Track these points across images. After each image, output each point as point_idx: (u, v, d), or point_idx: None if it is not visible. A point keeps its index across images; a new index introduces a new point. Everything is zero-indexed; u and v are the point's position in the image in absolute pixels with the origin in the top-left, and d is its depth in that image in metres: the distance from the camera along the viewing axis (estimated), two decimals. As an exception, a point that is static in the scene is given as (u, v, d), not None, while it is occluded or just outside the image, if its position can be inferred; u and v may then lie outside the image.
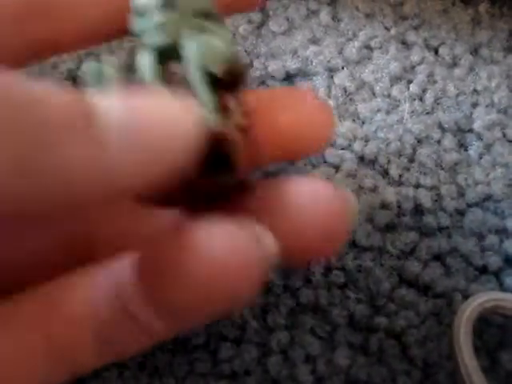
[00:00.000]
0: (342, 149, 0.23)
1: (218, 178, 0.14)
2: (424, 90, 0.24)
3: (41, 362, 0.14)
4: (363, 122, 0.23)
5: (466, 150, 0.23)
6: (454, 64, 0.25)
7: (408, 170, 0.22)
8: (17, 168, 0.11)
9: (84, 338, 0.14)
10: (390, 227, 0.22)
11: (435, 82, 0.24)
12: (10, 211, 0.11)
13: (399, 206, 0.22)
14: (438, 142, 0.23)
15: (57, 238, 0.16)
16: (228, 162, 0.14)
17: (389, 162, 0.22)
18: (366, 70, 0.24)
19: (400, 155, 0.23)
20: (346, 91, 0.24)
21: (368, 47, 0.25)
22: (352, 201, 0.15)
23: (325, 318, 0.21)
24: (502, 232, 0.22)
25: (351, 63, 0.24)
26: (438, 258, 0.21)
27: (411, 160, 0.23)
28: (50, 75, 0.24)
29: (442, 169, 0.22)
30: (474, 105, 0.24)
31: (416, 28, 0.25)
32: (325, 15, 0.25)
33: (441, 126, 0.23)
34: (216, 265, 0.13)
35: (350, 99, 0.24)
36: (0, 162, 0.10)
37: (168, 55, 0.15)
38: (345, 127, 0.23)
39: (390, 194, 0.22)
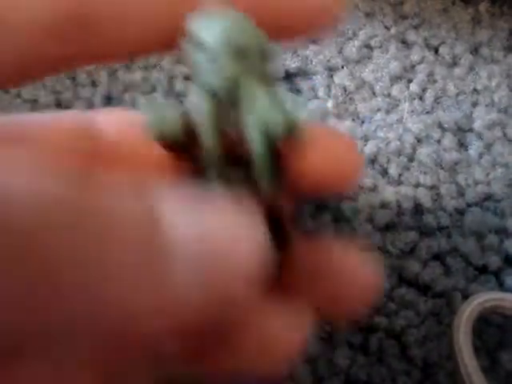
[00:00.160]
0: (342, 148, 0.23)
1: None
2: (424, 90, 0.24)
3: None
4: (363, 122, 0.23)
5: (466, 149, 0.23)
6: (454, 63, 0.25)
7: (408, 169, 0.22)
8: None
9: None
10: (389, 227, 0.22)
11: (435, 81, 0.24)
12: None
13: (399, 206, 0.22)
14: (438, 141, 0.23)
15: None
16: (280, 230, 0.14)
17: (388, 161, 0.22)
18: (366, 70, 0.24)
19: (400, 154, 0.23)
20: (345, 90, 0.24)
21: (368, 46, 0.25)
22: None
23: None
24: (501, 232, 0.22)
25: (351, 62, 0.24)
26: (437, 257, 0.21)
27: (411, 159, 0.23)
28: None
29: (442, 168, 0.22)
30: (474, 104, 0.24)
31: (416, 27, 0.25)
32: (325, 14, 0.25)
33: (441, 126, 0.23)
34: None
35: (350, 98, 0.24)
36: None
37: (223, 99, 0.14)
38: (344, 126, 0.23)
39: (389, 193, 0.22)
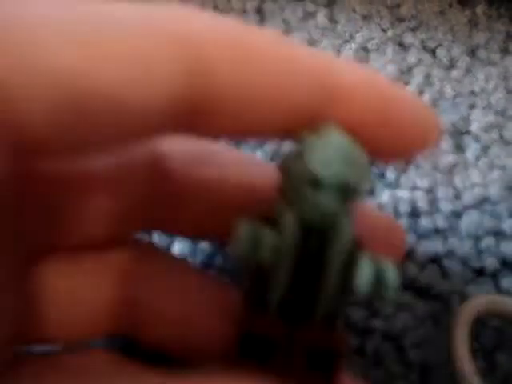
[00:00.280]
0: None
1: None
2: (421, 92, 0.24)
3: None
4: (360, 124, 0.23)
5: (462, 152, 0.23)
6: (451, 66, 0.25)
7: (404, 172, 0.22)
8: None
9: None
10: (386, 229, 0.22)
11: (432, 83, 0.24)
12: None
13: (395, 209, 0.22)
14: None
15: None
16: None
17: (385, 164, 0.22)
18: (363, 72, 0.24)
19: (397, 157, 0.23)
20: (342, 93, 0.24)
21: (365, 49, 0.25)
22: None
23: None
24: (498, 234, 0.22)
25: (348, 65, 0.24)
26: (434, 260, 0.21)
27: (407, 162, 0.23)
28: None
29: (439, 171, 0.22)
30: (471, 106, 0.24)
31: (413, 30, 0.25)
32: (322, 17, 0.25)
33: (438, 128, 0.23)
34: None
35: (347, 101, 0.24)
36: None
37: (314, 230, 0.14)
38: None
39: (386, 196, 0.22)
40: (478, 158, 0.23)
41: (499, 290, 0.21)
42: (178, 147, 0.16)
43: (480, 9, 0.26)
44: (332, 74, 0.14)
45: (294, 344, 0.15)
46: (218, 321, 0.16)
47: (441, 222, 0.22)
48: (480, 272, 0.21)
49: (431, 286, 0.21)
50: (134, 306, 0.16)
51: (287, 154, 0.15)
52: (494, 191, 0.22)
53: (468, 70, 0.24)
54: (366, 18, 0.25)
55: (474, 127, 0.23)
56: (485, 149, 0.23)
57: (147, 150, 0.16)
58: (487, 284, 0.21)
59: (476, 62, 0.25)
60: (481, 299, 0.20)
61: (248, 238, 0.14)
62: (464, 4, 0.26)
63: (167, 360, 0.17)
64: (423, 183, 0.22)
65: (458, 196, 0.22)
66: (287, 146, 0.19)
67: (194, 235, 0.18)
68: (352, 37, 0.25)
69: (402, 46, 0.25)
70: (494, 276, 0.21)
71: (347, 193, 0.14)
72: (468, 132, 0.23)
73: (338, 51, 0.25)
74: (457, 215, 0.22)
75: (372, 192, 0.22)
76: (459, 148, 0.23)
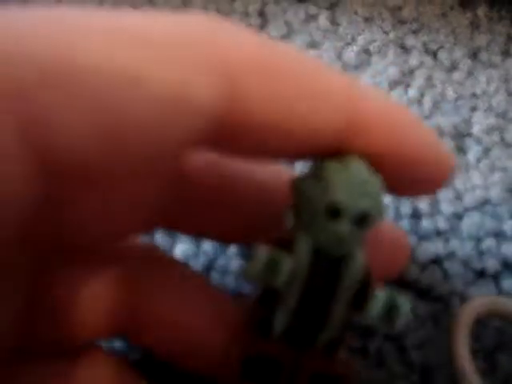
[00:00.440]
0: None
1: None
2: (423, 94, 0.24)
3: None
4: (362, 126, 0.23)
5: (464, 154, 0.23)
6: (453, 68, 0.25)
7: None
8: None
9: None
10: (388, 231, 0.22)
11: (434, 86, 0.24)
12: None
13: (397, 210, 0.22)
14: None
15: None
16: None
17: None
18: (365, 75, 0.24)
19: (398, 159, 0.23)
20: (344, 95, 0.24)
21: (367, 51, 0.25)
22: None
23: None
24: (499, 236, 0.22)
25: (350, 67, 0.24)
26: (435, 261, 0.21)
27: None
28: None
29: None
30: (473, 109, 0.24)
31: (415, 32, 0.25)
32: (324, 19, 0.25)
33: (439, 130, 0.23)
34: None
35: (349, 103, 0.24)
36: None
37: (326, 255, 0.14)
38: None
39: (387, 198, 0.22)
40: (479, 160, 0.23)
41: (500, 291, 0.21)
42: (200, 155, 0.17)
43: (481, 11, 0.26)
44: (354, 99, 0.14)
45: (299, 369, 0.15)
46: (218, 327, 0.16)
47: (442, 223, 0.22)
48: (481, 273, 0.21)
49: (432, 288, 0.21)
50: (134, 309, 0.16)
51: (303, 175, 0.15)
52: (495, 193, 0.22)
53: (469, 73, 0.25)
54: (367, 20, 0.26)
55: (476, 129, 0.23)
56: (486, 151, 0.23)
57: None
58: (488, 285, 0.21)
59: (477, 65, 0.25)
60: (481, 300, 0.20)
61: (266, 262, 0.14)
62: (465, 6, 0.26)
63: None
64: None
65: (459, 198, 0.22)
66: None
67: (203, 236, 0.18)
68: (354, 39, 0.25)
69: (403, 48, 0.25)
70: (495, 277, 0.21)
71: (364, 223, 0.14)
72: (469, 134, 0.23)
73: (340, 53, 0.25)
74: (458, 217, 0.22)
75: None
76: (460, 150, 0.23)
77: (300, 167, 0.20)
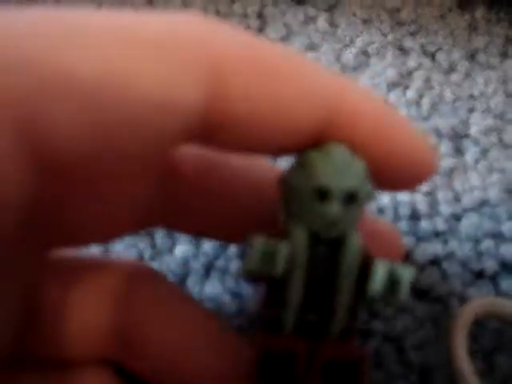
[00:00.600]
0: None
1: None
2: (421, 96, 0.24)
3: None
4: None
5: (462, 155, 0.23)
6: (451, 69, 0.25)
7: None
8: None
9: None
10: (386, 232, 0.22)
11: (432, 87, 0.24)
12: None
13: (395, 211, 0.22)
14: (435, 147, 0.23)
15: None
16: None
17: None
18: (363, 76, 0.24)
19: (397, 160, 0.23)
20: (343, 97, 0.24)
21: (365, 53, 0.25)
22: None
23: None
24: (498, 237, 0.22)
25: (348, 69, 0.25)
26: (434, 262, 0.21)
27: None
28: None
29: (438, 174, 0.23)
30: (471, 110, 0.24)
31: (413, 34, 0.25)
32: (322, 21, 0.25)
33: (437, 132, 0.23)
34: None
35: (348, 105, 0.24)
36: None
37: (322, 239, 0.14)
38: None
39: (386, 199, 0.22)
40: (477, 161, 0.23)
41: (498, 292, 0.21)
42: (189, 151, 0.17)
43: (479, 13, 0.26)
44: (340, 98, 0.14)
45: (313, 358, 0.14)
46: (215, 355, 0.16)
47: (440, 224, 0.22)
48: (479, 274, 0.21)
49: (431, 288, 0.21)
50: (128, 333, 0.16)
51: (287, 169, 0.15)
52: (493, 194, 0.22)
53: (467, 74, 0.25)
54: (366, 22, 0.26)
55: (474, 131, 0.23)
56: (484, 152, 0.23)
57: None
58: (486, 286, 0.21)
59: (475, 66, 0.25)
60: (480, 301, 0.20)
61: (263, 251, 0.14)
62: (463, 8, 0.26)
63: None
64: (423, 186, 0.22)
65: (457, 199, 0.22)
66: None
67: (200, 234, 0.18)
68: (352, 41, 0.25)
69: (401, 50, 0.25)
70: (494, 278, 0.21)
71: (353, 202, 0.14)
72: (467, 135, 0.23)
73: (339, 55, 0.25)
74: (456, 218, 0.22)
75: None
76: (459, 151, 0.23)
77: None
